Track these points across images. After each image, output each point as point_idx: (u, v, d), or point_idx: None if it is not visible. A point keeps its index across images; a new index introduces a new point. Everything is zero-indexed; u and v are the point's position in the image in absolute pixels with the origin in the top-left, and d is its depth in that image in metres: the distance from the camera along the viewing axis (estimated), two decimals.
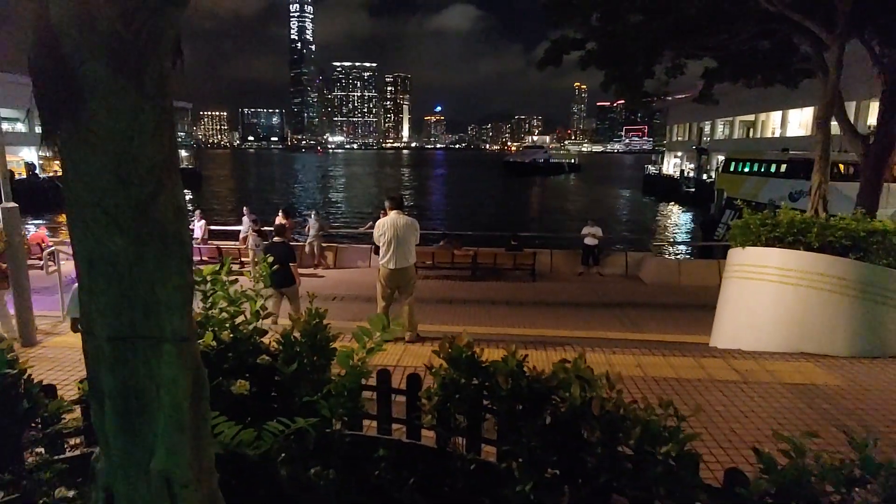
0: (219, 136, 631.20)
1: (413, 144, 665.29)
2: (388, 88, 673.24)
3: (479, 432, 2.48)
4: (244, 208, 15.16)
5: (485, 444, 2.48)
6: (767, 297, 6.45)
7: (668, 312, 9.90)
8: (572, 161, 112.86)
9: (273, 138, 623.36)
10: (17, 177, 19.14)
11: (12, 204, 5.80)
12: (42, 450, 2.41)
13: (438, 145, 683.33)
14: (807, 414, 4.40)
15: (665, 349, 6.18)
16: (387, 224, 6.68)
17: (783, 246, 6.37)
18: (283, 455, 2.12)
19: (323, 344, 2.51)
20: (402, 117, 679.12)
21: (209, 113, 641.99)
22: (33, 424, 2.38)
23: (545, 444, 2.08)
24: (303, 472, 2.14)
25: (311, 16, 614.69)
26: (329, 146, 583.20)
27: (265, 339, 2.57)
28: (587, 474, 2.02)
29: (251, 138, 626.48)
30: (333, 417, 2.29)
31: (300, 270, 13.98)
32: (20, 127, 44.38)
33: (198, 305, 2.55)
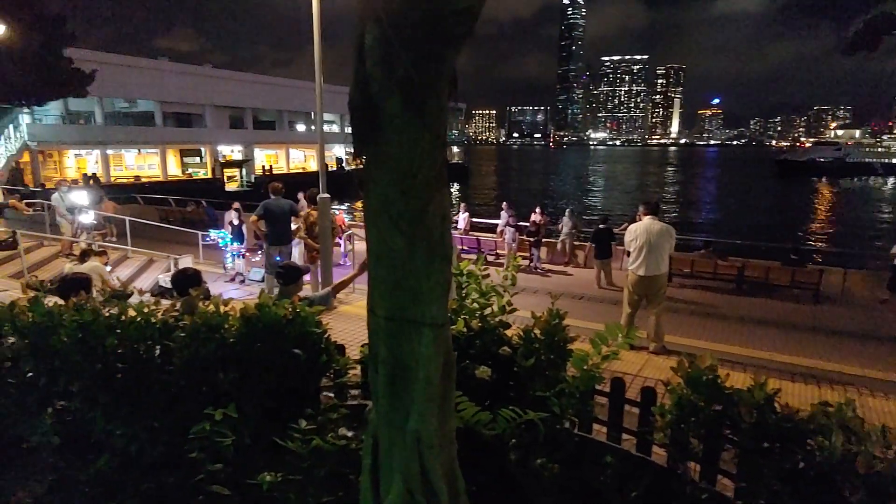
0: (487, 134, 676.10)
1: (682, 141, 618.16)
2: (659, 81, 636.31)
3: (716, 461, 2.33)
4: (503, 203, 16.01)
5: (721, 475, 2.32)
6: None
7: None
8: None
9: (536, 135, 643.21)
10: (328, 169, 23.46)
11: (326, 195, 7.27)
12: (332, 395, 3.03)
13: (712, 141, 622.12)
14: None
15: None
16: (640, 229, 6.48)
17: None
18: (513, 441, 2.31)
19: (560, 344, 2.62)
20: (671, 112, 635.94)
21: (480, 112, 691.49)
22: (328, 374, 3.01)
23: (793, 492, 1.88)
24: (530, 461, 2.31)
25: (583, 12, 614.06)
26: (591, 143, 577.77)
27: (508, 332, 2.80)
28: None
29: (515, 135, 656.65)
30: (563, 416, 2.40)
31: (550, 266, 14.38)
32: (334, 128, 54.11)
33: (453, 295, 2.90)
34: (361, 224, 18.66)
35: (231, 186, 42.17)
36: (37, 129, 33.42)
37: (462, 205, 17.42)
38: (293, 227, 9.82)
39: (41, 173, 32.86)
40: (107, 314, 2.69)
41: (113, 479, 2.56)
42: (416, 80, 1.38)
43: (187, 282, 3.62)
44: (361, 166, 1.54)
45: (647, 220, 6.53)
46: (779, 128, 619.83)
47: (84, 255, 8.14)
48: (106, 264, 8.58)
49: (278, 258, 8.34)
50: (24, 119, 32.78)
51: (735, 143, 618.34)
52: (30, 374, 2.77)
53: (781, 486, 1.91)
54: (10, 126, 32.32)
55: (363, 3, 1.41)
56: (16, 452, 2.84)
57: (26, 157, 32.53)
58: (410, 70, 1.37)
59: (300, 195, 11.38)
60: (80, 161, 37.36)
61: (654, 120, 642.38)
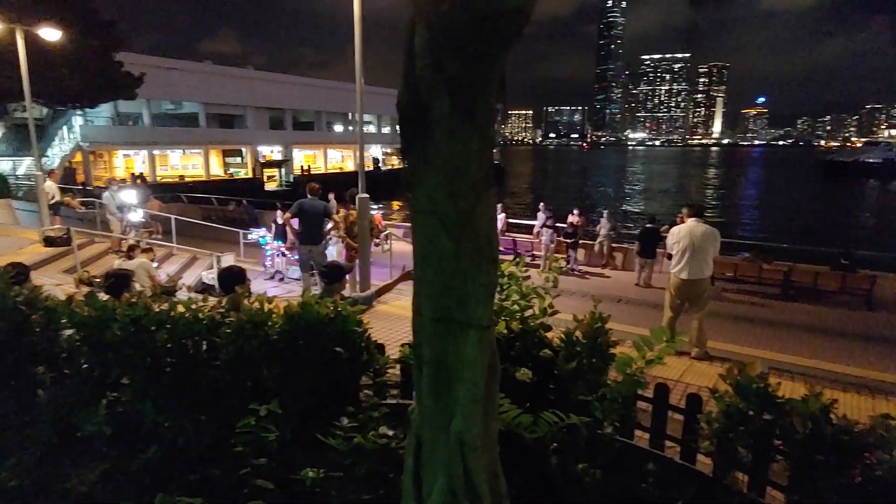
0: (523, 134, 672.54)
1: (724, 141, 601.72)
2: (701, 80, 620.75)
3: (765, 473, 2.25)
4: (541, 204, 15.84)
5: (770, 486, 2.25)
6: None
7: None
8: None
9: (573, 135, 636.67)
10: (364, 169, 23.69)
11: (366, 195, 7.36)
12: (371, 393, 3.05)
13: (756, 142, 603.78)
14: None
15: None
16: (683, 231, 6.33)
17: None
18: (554, 445, 2.29)
19: (602, 348, 2.58)
20: (713, 111, 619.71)
21: (516, 112, 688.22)
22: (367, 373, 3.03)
23: None
24: (572, 466, 2.28)
25: (621, 10, 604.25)
26: (629, 143, 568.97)
27: (549, 335, 2.77)
28: None
29: (552, 135, 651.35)
30: (605, 420, 2.36)
31: (587, 268, 14.20)
32: (371, 128, 54.71)
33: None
34: (398, 224, 18.80)
35: (270, 186, 43.07)
36: (89, 130, 34.80)
37: (499, 205, 17.33)
38: (327, 227, 9.96)
39: (92, 173, 34.19)
40: (157, 310, 2.78)
41: (161, 469, 2.64)
42: (465, 81, 1.38)
43: (233, 279, 3.71)
44: (408, 167, 1.54)
45: (690, 222, 6.38)
46: (828, 127, 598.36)
47: (131, 251, 8.44)
48: (153, 261, 8.87)
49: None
50: (77, 121, 34.17)
51: (781, 143, 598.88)
52: (85, 365, 2.88)
53: (837, 500, 1.84)
54: (64, 127, 33.74)
55: (413, 4, 1.42)
56: (71, 441, 2.96)
57: (78, 157, 33.90)
58: (460, 71, 1.37)
59: (331, 196, 11.57)
60: (128, 161, 38.75)
61: (695, 119, 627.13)
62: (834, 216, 41.42)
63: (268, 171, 44.91)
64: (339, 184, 16.28)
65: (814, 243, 19.07)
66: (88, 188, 24.03)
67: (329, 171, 49.80)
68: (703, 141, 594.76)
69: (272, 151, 47.36)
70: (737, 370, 2.16)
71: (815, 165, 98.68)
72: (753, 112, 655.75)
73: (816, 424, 1.89)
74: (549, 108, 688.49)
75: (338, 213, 9.45)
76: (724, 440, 2.22)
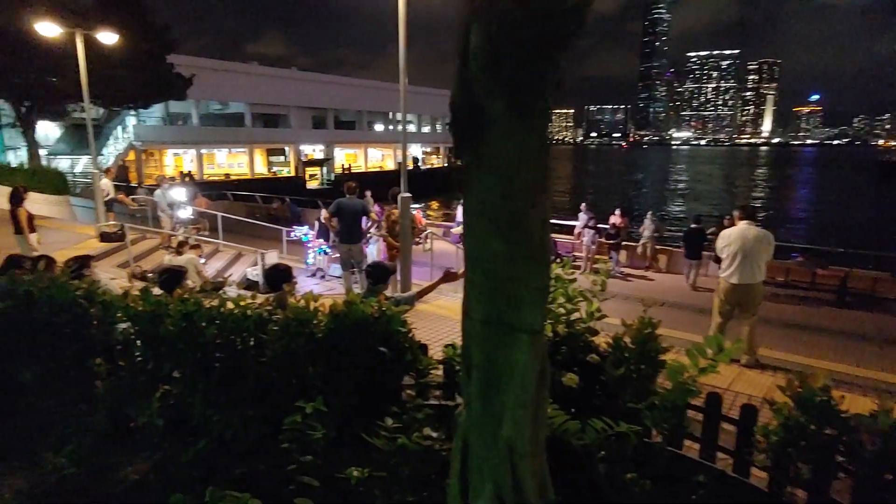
0: (563, 133, 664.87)
1: (774, 140, 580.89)
2: (751, 77, 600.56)
3: (827, 491, 2.14)
4: (582, 204, 15.57)
5: None
6: None
7: None
8: None
9: (615, 134, 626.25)
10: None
11: (408, 194, 7.39)
12: (414, 394, 3.04)
13: (808, 141, 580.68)
14: None
15: None
16: (734, 234, 6.12)
17: None
18: (602, 453, 2.23)
19: (652, 354, 2.51)
20: (763, 109, 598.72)
21: (557, 111, 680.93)
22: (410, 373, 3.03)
23: None
24: (620, 475, 2.22)
25: (667, 5, 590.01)
26: (673, 142, 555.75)
27: (595, 339, 2.71)
28: None
29: (594, 134, 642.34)
30: (655, 429, 2.29)
31: (629, 270, 13.91)
32: (411, 128, 55.06)
33: None
34: (439, 223, 18.83)
35: (312, 184, 43.82)
36: (141, 130, 36.11)
37: None
38: (366, 225, 10.04)
39: (143, 171, 35.49)
40: (207, 305, 2.84)
41: (210, 462, 2.70)
42: (522, 82, 1.35)
43: (279, 277, 3.77)
44: (461, 168, 1.52)
45: (742, 225, 6.16)
46: (887, 126, 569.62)
47: (180, 247, 8.70)
48: (200, 257, 9.13)
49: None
50: (131, 121, 35.52)
51: (836, 142, 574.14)
52: (139, 358, 2.97)
53: None
54: (119, 127, 35.14)
55: (468, 3, 1.39)
56: (125, 431, 3.06)
57: (131, 156, 35.23)
58: (517, 71, 1.34)
59: (367, 193, 11.66)
60: (177, 160, 40.10)
61: (743, 118, 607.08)
62: (893, 219, 39.40)
63: (310, 170, 45.70)
64: (379, 182, 16.39)
65: (872, 248, 18.19)
66: (132, 186, 24.92)
67: (369, 170, 50.33)
68: (752, 140, 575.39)
69: (314, 150, 48.17)
70: (798, 382, 2.06)
71: (870, 165, 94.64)
72: (807, 110, 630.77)
73: (888, 441, 1.79)
74: (591, 107, 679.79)
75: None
76: (782, 454, 2.12)
